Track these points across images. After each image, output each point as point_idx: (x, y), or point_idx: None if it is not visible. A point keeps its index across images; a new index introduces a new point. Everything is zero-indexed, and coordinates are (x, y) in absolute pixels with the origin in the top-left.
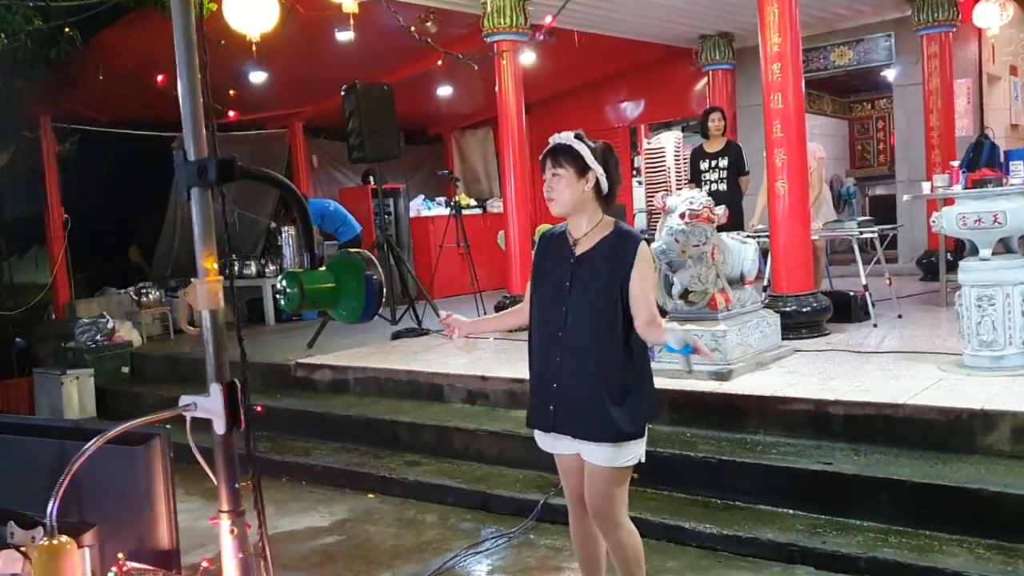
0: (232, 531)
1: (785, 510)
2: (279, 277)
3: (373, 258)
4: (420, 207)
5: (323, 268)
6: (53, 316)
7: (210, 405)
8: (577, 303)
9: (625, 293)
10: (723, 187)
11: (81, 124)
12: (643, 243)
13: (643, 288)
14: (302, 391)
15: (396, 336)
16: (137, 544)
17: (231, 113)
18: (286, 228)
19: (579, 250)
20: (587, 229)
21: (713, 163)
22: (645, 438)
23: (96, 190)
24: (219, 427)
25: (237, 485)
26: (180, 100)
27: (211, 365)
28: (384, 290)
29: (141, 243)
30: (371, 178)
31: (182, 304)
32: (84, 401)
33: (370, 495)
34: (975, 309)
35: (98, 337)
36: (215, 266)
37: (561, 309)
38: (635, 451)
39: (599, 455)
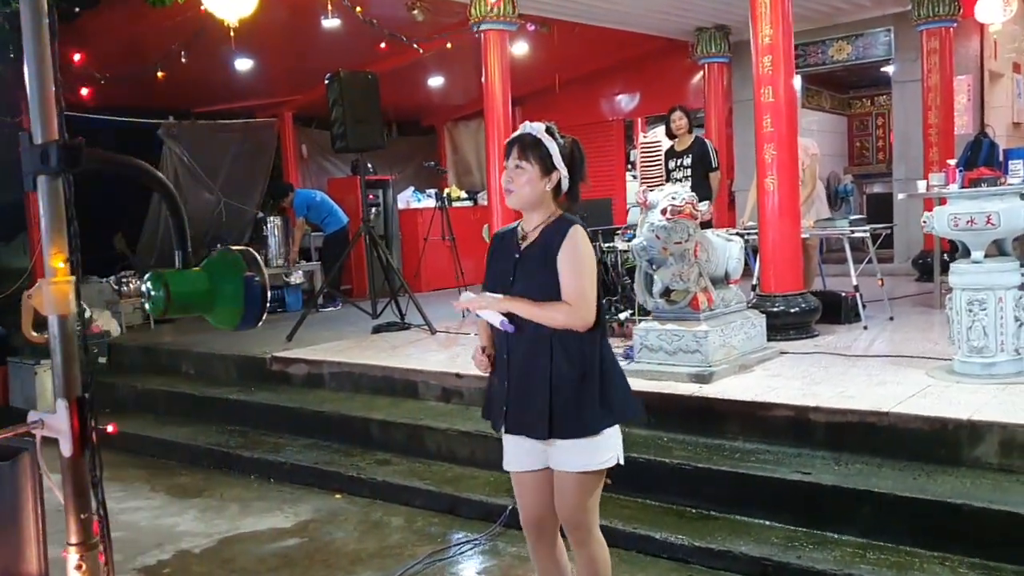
0: (80, 567)
1: (761, 521)
2: (145, 276)
3: (257, 257)
4: (410, 199)
5: (197, 268)
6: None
7: (57, 424)
8: (520, 296)
9: None
10: (687, 184)
11: (65, 109)
12: (576, 226)
13: (571, 267)
14: (277, 385)
15: (377, 330)
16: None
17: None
18: (273, 218)
19: (524, 244)
20: (536, 224)
21: (679, 161)
22: (619, 441)
23: (81, 176)
24: (65, 449)
25: (87, 514)
26: (27, 74)
27: (58, 377)
28: (268, 294)
29: (126, 231)
30: (355, 167)
31: (25, 308)
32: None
33: (337, 495)
34: (966, 314)
35: (75, 326)
36: (64, 265)
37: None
38: (609, 452)
39: (568, 460)
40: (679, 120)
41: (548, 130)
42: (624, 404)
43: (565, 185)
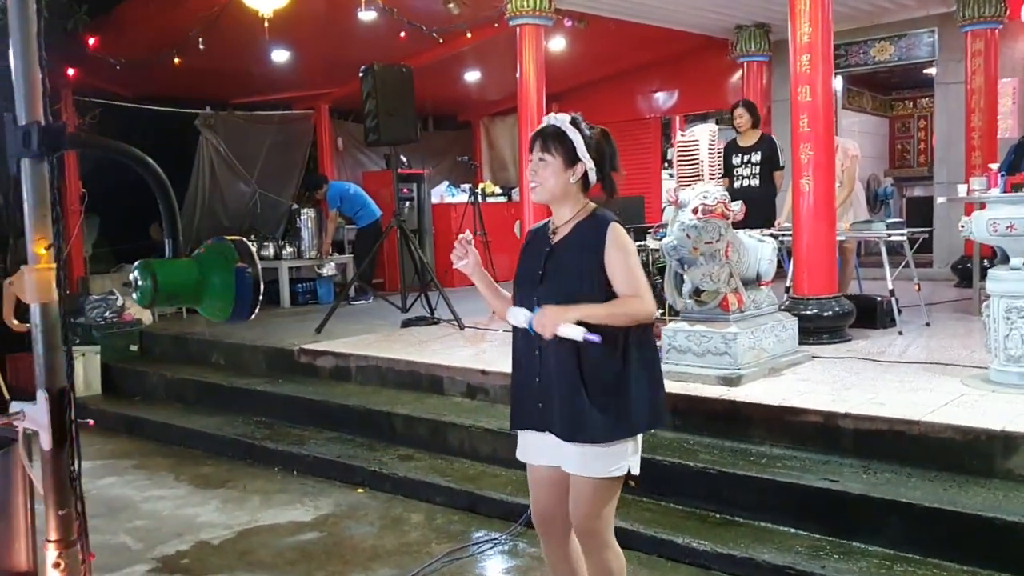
0: (58, 564)
1: (786, 528)
2: (134, 265)
3: (250, 248)
4: (444, 193)
5: (188, 258)
6: (67, 291)
7: (37, 416)
8: (550, 292)
9: (605, 278)
10: (755, 182)
11: (103, 98)
12: (613, 223)
13: (620, 263)
14: (304, 377)
15: (406, 324)
16: None
17: None
18: (306, 210)
19: (555, 239)
20: (567, 218)
21: (745, 158)
22: (639, 447)
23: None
24: (44, 442)
25: (66, 510)
26: (11, 54)
27: (40, 367)
28: (260, 286)
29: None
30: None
31: (7, 295)
32: (89, 378)
33: (359, 489)
34: (1003, 321)
35: (107, 314)
36: (47, 251)
37: (532, 299)
38: (623, 461)
39: (584, 466)
40: (740, 117)
41: (573, 121)
42: (646, 416)
43: (593, 177)
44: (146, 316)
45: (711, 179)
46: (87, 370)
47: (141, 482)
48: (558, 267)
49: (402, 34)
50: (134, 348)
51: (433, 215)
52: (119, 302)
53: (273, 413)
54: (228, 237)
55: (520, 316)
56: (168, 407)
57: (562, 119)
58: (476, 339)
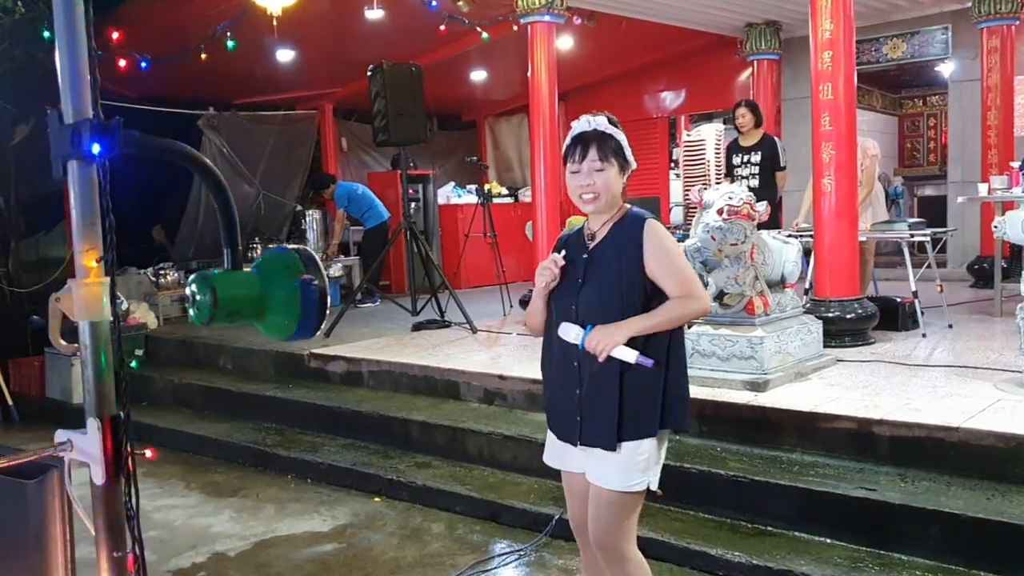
0: None
1: (822, 539)
2: (190, 279)
3: (316, 258)
4: (450, 194)
5: (248, 270)
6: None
7: (87, 446)
8: (590, 299)
9: (646, 279)
10: (755, 183)
11: (105, 98)
12: (651, 219)
13: (664, 262)
14: (315, 382)
15: (417, 328)
16: None
17: None
18: (311, 212)
19: (592, 244)
20: (605, 219)
21: (746, 157)
22: (661, 459)
23: (122, 167)
24: (97, 475)
25: (121, 552)
26: (57, 44)
27: (90, 394)
28: (328, 300)
29: (165, 223)
30: (395, 162)
31: (52, 312)
32: None
33: (376, 498)
34: None
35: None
36: (98, 264)
37: (572, 308)
38: (643, 475)
39: (607, 478)
40: (743, 116)
41: (612, 121)
42: (673, 421)
43: (630, 174)
44: (151, 320)
45: (717, 179)
46: None
47: (152, 490)
48: (597, 272)
49: (442, 27)
50: (139, 352)
51: (440, 216)
52: (124, 306)
53: (284, 419)
54: (289, 246)
55: (571, 333)
56: (176, 413)
57: (602, 121)
58: (490, 343)
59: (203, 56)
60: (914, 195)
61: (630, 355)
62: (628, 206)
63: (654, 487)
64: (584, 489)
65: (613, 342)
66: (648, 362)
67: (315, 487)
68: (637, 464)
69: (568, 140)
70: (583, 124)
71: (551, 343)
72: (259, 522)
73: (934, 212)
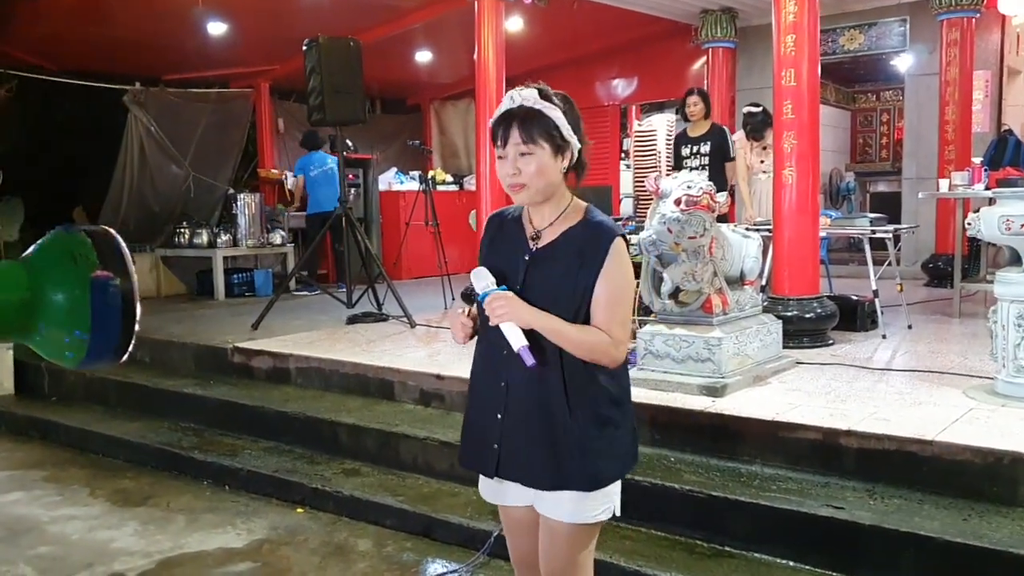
0: None
1: (784, 561)
2: None
3: (119, 244)
4: (392, 180)
5: (9, 262)
6: None
7: None
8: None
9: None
10: (704, 174)
11: (20, 70)
12: (619, 239)
13: (613, 292)
14: (238, 379)
15: (352, 320)
16: None
17: None
18: (244, 195)
19: (539, 244)
20: (552, 218)
21: (695, 148)
22: (619, 486)
23: (41, 143)
24: None
25: None
26: None
27: None
28: (136, 310)
29: (86, 205)
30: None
31: None
32: (0, 377)
33: (299, 509)
34: (1014, 329)
35: None
36: None
37: (497, 283)
38: (607, 502)
39: (560, 508)
40: (695, 105)
41: (543, 94)
42: (632, 451)
43: (575, 159)
44: None
45: (668, 171)
46: None
47: (51, 498)
48: (545, 281)
49: None
50: None
51: (381, 203)
52: None
53: (203, 419)
54: (82, 227)
55: (483, 281)
56: (86, 410)
57: (531, 96)
58: (429, 339)
59: None
60: (866, 191)
61: (517, 340)
62: (584, 204)
63: (618, 512)
64: (529, 521)
65: (517, 316)
66: (529, 360)
67: (233, 496)
68: (600, 494)
69: (491, 120)
70: (507, 101)
71: (476, 354)
72: (167, 536)
73: (886, 208)
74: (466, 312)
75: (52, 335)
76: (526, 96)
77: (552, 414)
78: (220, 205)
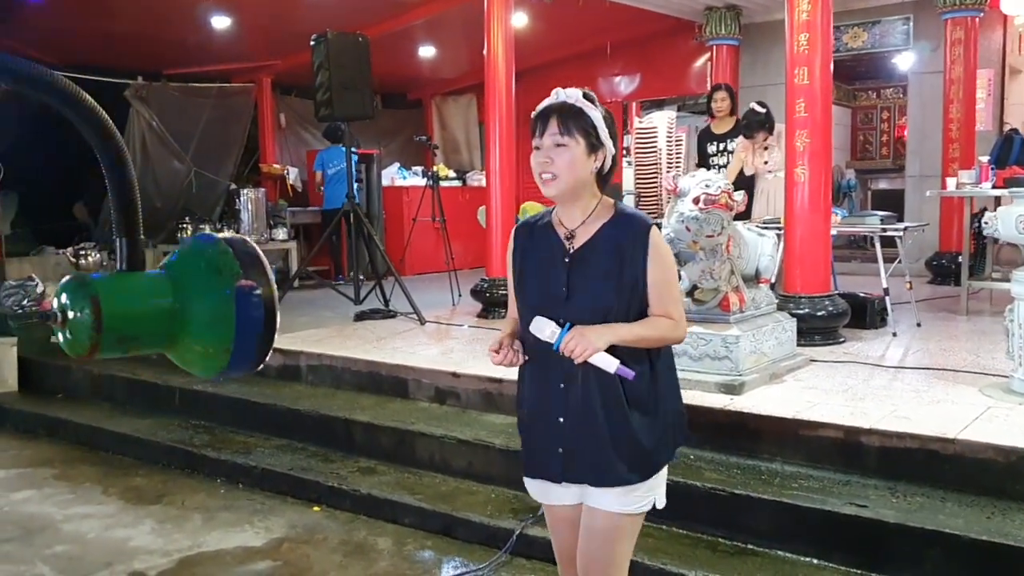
0: None
1: (808, 559)
2: (60, 284)
3: (258, 254)
4: (395, 176)
5: (155, 272)
6: None
7: None
8: (578, 313)
9: (642, 295)
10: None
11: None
12: (654, 228)
13: (664, 277)
14: (249, 376)
15: (360, 317)
16: None
17: None
18: (247, 191)
19: (574, 245)
20: (583, 217)
21: (721, 145)
22: (664, 477)
23: (43, 139)
24: None
25: None
26: None
27: None
28: (276, 317)
29: (88, 200)
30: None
31: None
32: (4, 374)
33: (315, 507)
34: None
35: (25, 302)
36: None
37: (558, 322)
38: (651, 494)
39: (606, 498)
40: (723, 101)
41: (588, 96)
42: (677, 443)
43: (608, 165)
44: None
45: (669, 168)
46: (2, 364)
47: (63, 496)
48: (589, 280)
49: None
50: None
51: (384, 199)
52: (39, 288)
53: (214, 416)
54: (219, 234)
55: (547, 329)
56: (94, 407)
57: (574, 94)
58: (440, 335)
59: None
60: (867, 188)
61: (611, 364)
62: (612, 200)
63: (660, 504)
64: (575, 517)
65: (594, 347)
66: (629, 374)
67: (247, 494)
68: (650, 481)
69: (533, 113)
70: (551, 97)
71: (528, 359)
72: (184, 535)
73: (888, 206)
74: (517, 349)
75: (194, 345)
76: (570, 94)
77: (608, 415)
78: (222, 200)
